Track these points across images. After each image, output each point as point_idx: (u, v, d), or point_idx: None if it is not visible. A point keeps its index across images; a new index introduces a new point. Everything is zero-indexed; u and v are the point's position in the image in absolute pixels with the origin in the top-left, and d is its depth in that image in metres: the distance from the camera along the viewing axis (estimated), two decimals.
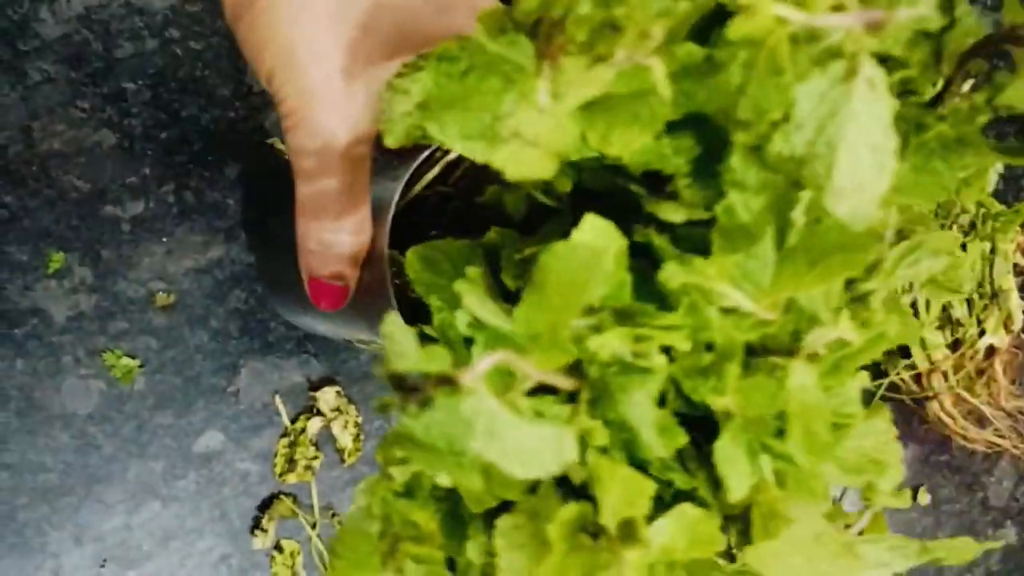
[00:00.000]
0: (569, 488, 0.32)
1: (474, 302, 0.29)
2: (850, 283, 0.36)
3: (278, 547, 0.60)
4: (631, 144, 0.25)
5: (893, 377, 0.84)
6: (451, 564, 0.35)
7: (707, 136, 0.28)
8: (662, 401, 0.32)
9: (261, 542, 0.60)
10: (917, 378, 0.83)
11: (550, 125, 0.25)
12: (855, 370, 0.34)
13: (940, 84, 0.29)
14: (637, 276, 0.30)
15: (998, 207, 0.82)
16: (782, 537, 0.32)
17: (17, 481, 0.54)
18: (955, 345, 0.83)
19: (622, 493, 0.28)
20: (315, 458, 0.61)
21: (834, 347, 0.32)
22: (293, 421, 0.61)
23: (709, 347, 0.31)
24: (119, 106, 0.56)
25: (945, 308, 0.81)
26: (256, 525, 0.60)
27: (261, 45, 0.34)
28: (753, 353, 0.32)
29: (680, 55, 0.25)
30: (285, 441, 0.61)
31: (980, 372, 0.83)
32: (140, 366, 0.57)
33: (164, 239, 0.58)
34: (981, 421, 0.84)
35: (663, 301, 0.29)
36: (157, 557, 0.57)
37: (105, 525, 0.57)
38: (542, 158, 0.25)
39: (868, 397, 0.85)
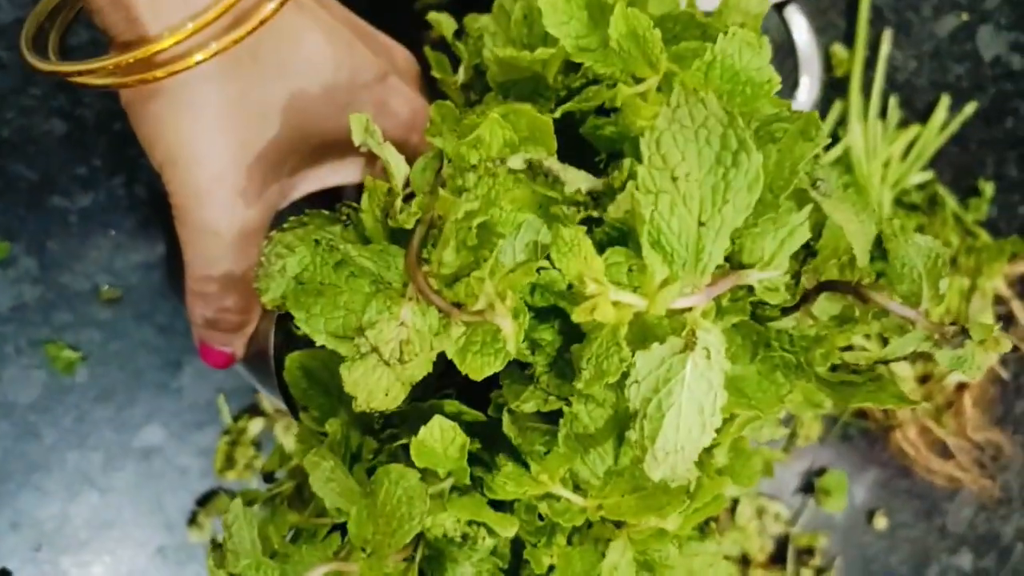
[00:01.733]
0: None
1: (319, 480, 0.31)
2: None
3: (214, 542, 0.62)
4: (482, 372, 0.26)
5: (859, 406, 0.84)
6: None
7: (567, 331, 0.29)
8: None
9: (198, 535, 0.62)
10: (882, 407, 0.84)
11: (409, 352, 0.26)
12: (683, 533, 0.36)
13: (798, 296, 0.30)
14: (491, 439, 0.32)
15: (985, 239, 0.81)
16: None
17: None
18: (924, 378, 0.83)
19: None
20: (255, 458, 0.63)
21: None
22: (236, 420, 0.63)
23: (541, 517, 0.33)
24: (71, 95, 0.57)
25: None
26: (193, 519, 0.62)
27: (151, 140, 0.34)
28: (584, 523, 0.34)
29: (544, 279, 0.26)
30: (226, 439, 0.62)
31: (948, 404, 0.84)
32: (83, 358, 0.59)
33: (112, 232, 0.59)
34: (944, 452, 0.85)
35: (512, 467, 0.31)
36: (93, 545, 0.60)
37: (42, 512, 0.59)
38: (393, 385, 0.26)
39: (832, 421, 0.86)
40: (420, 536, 0.33)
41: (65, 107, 0.58)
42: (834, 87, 0.87)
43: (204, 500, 0.65)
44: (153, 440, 0.63)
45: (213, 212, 0.35)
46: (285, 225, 0.32)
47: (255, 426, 0.64)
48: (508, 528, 0.31)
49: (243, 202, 0.36)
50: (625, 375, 0.27)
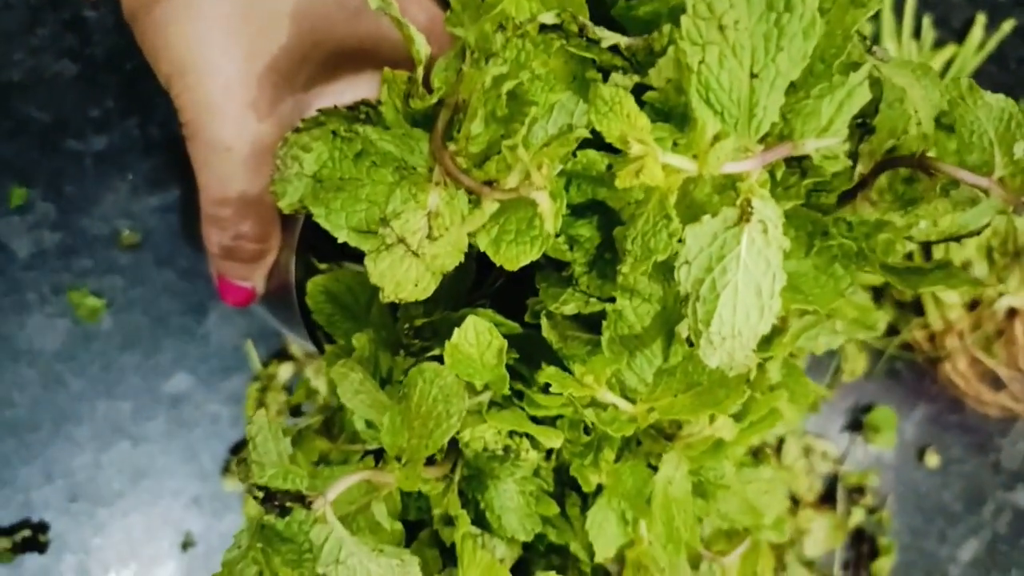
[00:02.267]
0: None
1: (347, 392, 0.29)
2: None
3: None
4: (518, 261, 0.24)
5: (905, 336, 0.82)
6: None
7: (607, 226, 0.27)
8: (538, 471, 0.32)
9: (233, 484, 0.61)
10: (931, 337, 0.82)
11: (438, 240, 0.24)
12: (737, 452, 0.34)
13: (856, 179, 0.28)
14: (529, 353, 0.30)
15: None
16: None
17: None
18: (973, 304, 0.80)
19: (481, 573, 0.28)
20: (287, 403, 0.62)
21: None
22: (265, 365, 0.61)
23: (587, 430, 0.32)
24: (80, 33, 0.55)
25: (964, 266, 0.78)
26: (227, 468, 0.61)
27: (157, 51, 0.33)
28: (633, 437, 0.32)
29: (581, 161, 0.24)
30: (256, 385, 0.61)
31: (999, 333, 0.81)
32: (106, 305, 0.58)
33: (129, 175, 0.57)
34: (996, 383, 0.82)
35: (547, 387, 0.29)
36: (128, 495, 0.59)
37: (74, 462, 0.58)
38: (423, 276, 0.24)
39: (877, 355, 0.84)
40: (458, 454, 0.32)
41: (75, 47, 0.57)
42: None
43: (237, 448, 0.64)
44: (182, 387, 0.62)
45: (224, 125, 0.34)
46: (300, 125, 0.30)
47: (285, 371, 0.63)
48: (553, 439, 0.30)
49: (255, 115, 0.34)
50: (675, 257, 0.24)
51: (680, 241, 0.24)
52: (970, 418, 0.90)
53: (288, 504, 0.25)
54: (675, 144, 0.26)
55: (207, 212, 0.37)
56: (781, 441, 0.84)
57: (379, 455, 0.33)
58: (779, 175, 0.26)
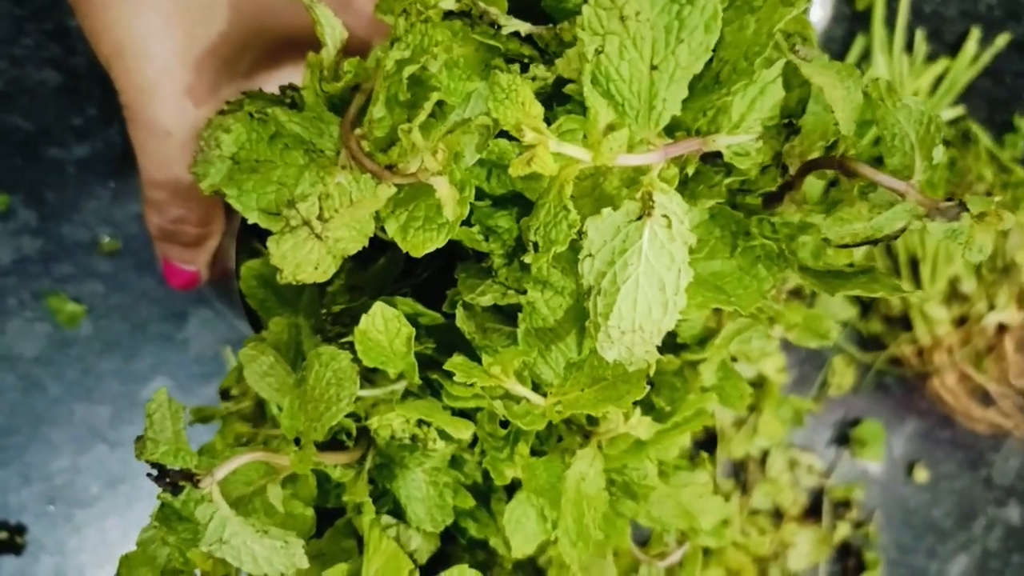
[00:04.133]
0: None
1: (255, 374, 0.29)
2: (681, 348, 0.36)
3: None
4: (423, 248, 0.24)
5: (893, 350, 0.81)
6: None
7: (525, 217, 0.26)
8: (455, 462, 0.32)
9: None
10: (919, 352, 0.80)
11: (331, 221, 0.23)
12: (667, 453, 0.33)
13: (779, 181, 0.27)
14: (449, 344, 0.30)
15: (1020, 175, 0.77)
16: None
17: None
18: (961, 320, 0.79)
19: (383, 565, 0.28)
20: None
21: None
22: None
23: (504, 423, 0.31)
24: (63, 43, 0.56)
25: (952, 282, 0.77)
26: None
27: (97, 33, 0.33)
28: (550, 431, 0.32)
29: (495, 151, 0.24)
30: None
31: (989, 349, 0.80)
32: (86, 311, 0.58)
33: (111, 182, 0.58)
34: (986, 399, 0.81)
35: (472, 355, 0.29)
36: (105, 499, 0.59)
37: (52, 466, 0.58)
38: (324, 259, 0.24)
39: (865, 370, 0.83)
40: (371, 442, 0.32)
41: (58, 57, 0.58)
42: (857, 20, 0.83)
43: None
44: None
45: (162, 109, 0.34)
46: (224, 107, 0.30)
47: None
48: (461, 430, 0.29)
49: (193, 100, 0.34)
50: (580, 252, 0.24)
51: (581, 233, 0.23)
52: (960, 434, 0.89)
53: (180, 483, 0.25)
54: (584, 136, 0.25)
55: (147, 195, 0.37)
56: (766, 454, 0.83)
57: (299, 442, 0.33)
58: (691, 171, 0.26)
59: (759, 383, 0.79)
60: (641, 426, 0.31)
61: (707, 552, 0.77)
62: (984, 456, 0.91)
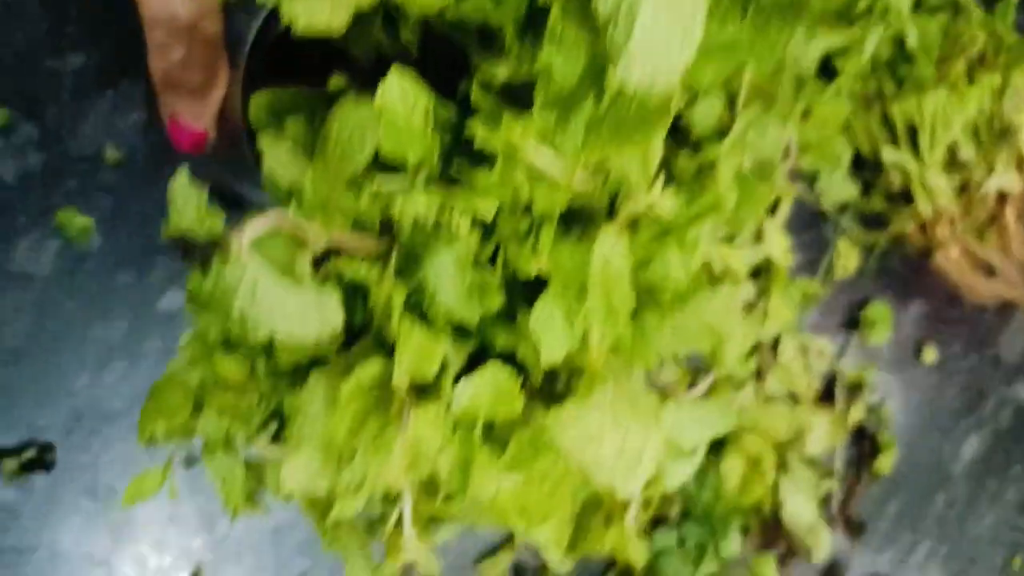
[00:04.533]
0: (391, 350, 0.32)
1: (275, 158, 0.29)
2: (698, 145, 0.35)
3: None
4: (431, 5, 0.24)
5: (896, 227, 0.81)
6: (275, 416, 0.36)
7: None
8: (489, 262, 0.32)
9: None
10: (922, 228, 0.81)
11: None
12: (684, 240, 0.33)
13: None
14: (460, 135, 0.30)
15: (1013, 38, 0.77)
16: (592, 399, 0.32)
17: None
18: (963, 189, 0.79)
19: (416, 353, 0.28)
20: None
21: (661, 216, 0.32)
22: None
23: (529, 211, 0.31)
24: None
25: (951, 149, 0.78)
26: None
27: None
28: (574, 219, 0.32)
29: None
30: None
31: (991, 219, 0.80)
32: (96, 225, 0.57)
33: (109, 92, 0.57)
34: (990, 271, 0.81)
35: (482, 162, 0.29)
36: (130, 414, 0.59)
37: (74, 383, 0.58)
38: (334, 8, 0.24)
39: (869, 251, 0.83)
40: (393, 241, 0.31)
41: None
42: None
43: None
44: (176, 304, 0.61)
45: None
46: None
47: None
48: (487, 205, 0.29)
49: None
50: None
51: None
52: (967, 311, 0.89)
53: (207, 252, 0.25)
54: None
55: (149, 37, 0.37)
56: (776, 340, 0.83)
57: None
58: None
59: (765, 267, 0.79)
60: (665, 200, 0.31)
61: (724, 441, 0.78)
62: (991, 334, 0.92)
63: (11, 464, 0.58)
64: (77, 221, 0.58)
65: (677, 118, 0.36)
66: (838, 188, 0.82)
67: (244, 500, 0.39)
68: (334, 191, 0.27)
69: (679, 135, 0.37)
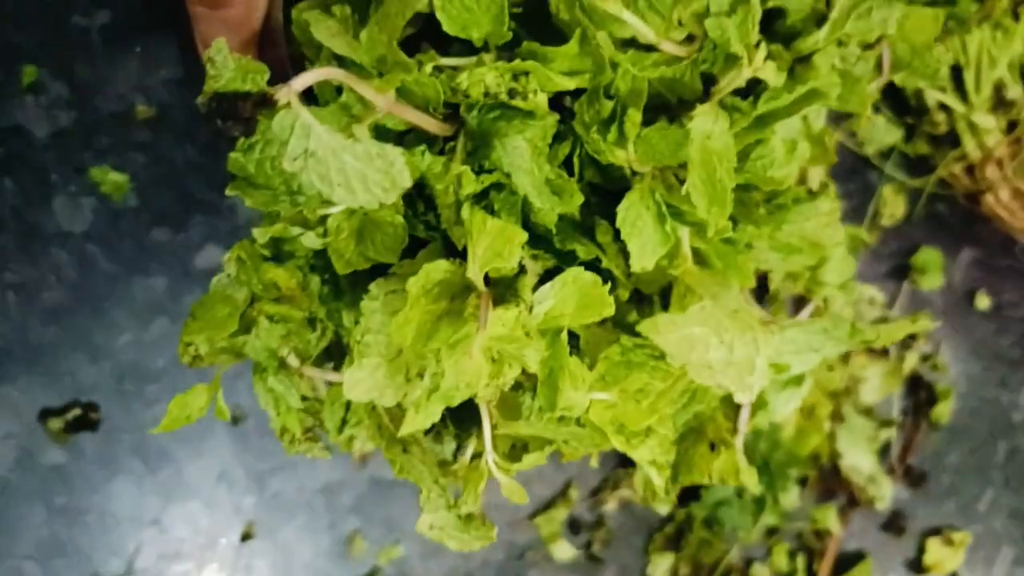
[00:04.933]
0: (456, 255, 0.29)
1: (323, 31, 0.27)
2: (791, 38, 0.32)
3: None
4: None
5: (943, 171, 0.78)
6: (313, 324, 0.33)
7: None
8: (568, 164, 0.29)
9: None
10: (969, 170, 0.78)
11: None
12: (784, 120, 0.30)
13: None
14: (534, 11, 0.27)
15: None
16: (690, 311, 0.29)
17: (23, 301, 0.55)
18: (1010, 128, 0.76)
19: (491, 244, 0.25)
20: None
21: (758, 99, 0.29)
22: None
23: (610, 95, 0.28)
24: None
25: (998, 88, 0.74)
26: None
27: None
28: (661, 107, 0.29)
29: None
30: None
31: None
32: (130, 181, 0.56)
33: (137, 48, 0.56)
34: None
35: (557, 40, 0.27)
36: (173, 372, 0.58)
37: (117, 342, 0.57)
38: None
39: (915, 195, 0.80)
40: (461, 123, 0.29)
41: None
42: None
43: None
44: (213, 261, 0.60)
45: None
46: None
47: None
48: (565, 79, 0.27)
49: None
50: None
51: None
52: (1020, 260, 0.86)
53: (252, 109, 0.22)
54: None
55: None
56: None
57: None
58: None
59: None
60: (767, 70, 0.28)
61: None
62: None
63: (56, 424, 0.57)
64: (111, 178, 0.58)
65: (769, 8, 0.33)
66: (881, 132, 0.79)
67: (300, 433, 0.37)
68: (391, 50, 0.25)
69: (771, 26, 0.34)
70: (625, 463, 0.68)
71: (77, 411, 0.57)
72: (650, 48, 0.29)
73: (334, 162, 0.23)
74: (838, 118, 0.78)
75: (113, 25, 0.57)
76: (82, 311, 0.58)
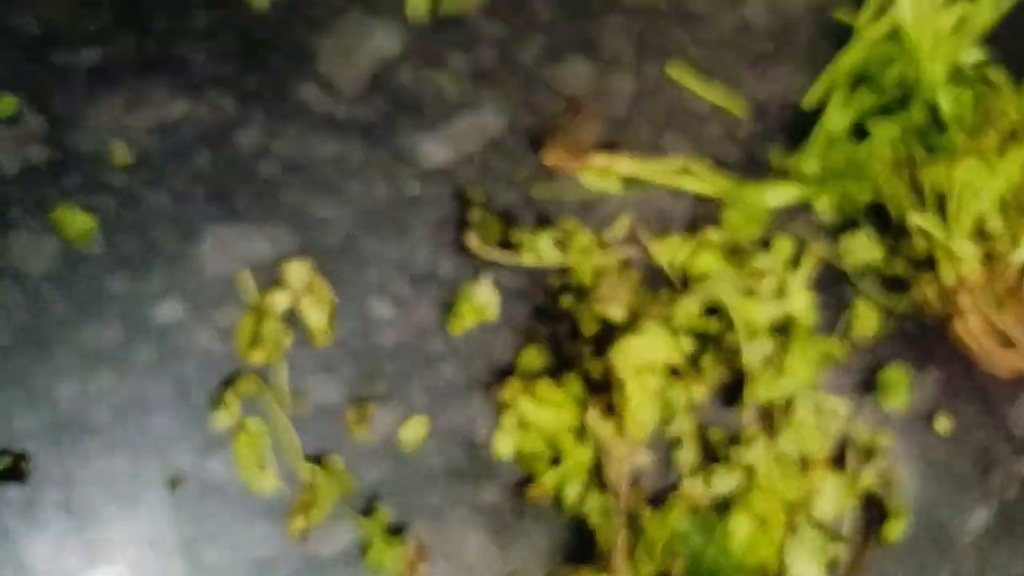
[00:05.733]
0: None
1: None
2: None
3: (242, 427, 0.56)
4: None
5: (917, 292, 0.77)
6: None
7: None
8: None
9: (224, 419, 0.56)
10: (943, 294, 0.77)
11: None
12: None
13: None
14: None
15: None
16: None
17: None
18: (986, 259, 0.76)
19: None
20: (284, 335, 0.57)
21: None
22: (260, 294, 0.57)
23: None
24: None
25: (978, 221, 0.74)
26: (219, 400, 0.56)
27: None
28: None
29: None
30: (251, 316, 0.56)
31: (1013, 291, 0.76)
32: (97, 227, 0.53)
33: (123, 91, 0.53)
34: (1009, 344, 0.77)
35: None
36: (114, 428, 0.55)
37: (59, 390, 0.54)
38: None
39: (887, 314, 0.79)
40: None
41: None
42: None
43: (229, 382, 0.59)
44: (172, 316, 0.57)
45: None
46: None
47: (281, 301, 0.59)
48: None
49: None
50: None
51: None
52: (982, 381, 0.85)
53: None
54: None
55: None
56: (792, 399, 0.79)
57: None
58: None
59: (786, 324, 0.75)
60: None
61: (730, 501, 0.73)
62: (1004, 408, 0.87)
63: None
64: (78, 221, 0.54)
65: None
66: (862, 249, 0.78)
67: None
68: None
69: None
70: None
71: (7, 459, 0.53)
72: None
73: None
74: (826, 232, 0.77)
75: (101, 64, 0.54)
76: (27, 353, 0.55)
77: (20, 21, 0.53)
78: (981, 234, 0.77)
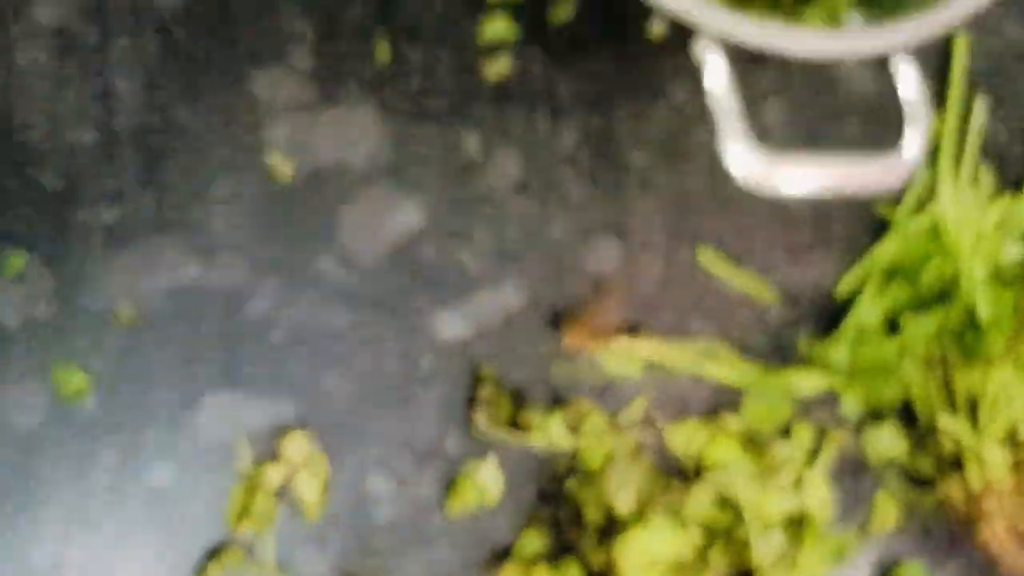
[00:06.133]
0: None
1: None
2: None
3: None
4: None
5: (941, 491, 0.73)
6: None
7: None
8: None
9: None
10: (969, 496, 0.73)
11: None
12: None
13: None
14: None
15: None
16: None
17: None
18: (1016, 465, 0.72)
19: None
20: (274, 508, 0.54)
21: None
22: (255, 465, 0.54)
23: None
24: (107, 105, 0.51)
25: (1010, 426, 0.70)
26: (201, 573, 0.53)
27: None
28: None
29: None
30: (243, 486, 0.54)
31: None
32: (93, 387, 0.51)
33: (137, 253, 0.52)
34: None
35: None
36: None
37: (34, 553, 0.51)
38: None
39: (908, 510, 0.75)
40: None
41: (100, 117, 0.52)
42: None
43: (214, 552, 0.56)
44: (162, 482, 0.55)
45: None
46: None
47: (276, 474, 0.56)
48: None
49: None
50: None
51: None
52: None
53: None
54: None
55: None
56: None
57: None
58: None
59: (800, 518, 0.71)
60: None
61: None
62: None
63: None
64: (74, 380, 0.53)
65: None
66: (886, 442, 0.74)
67: None
68: None
69: None
70: None
71: None
72: None
73: None
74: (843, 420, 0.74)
75: (118, 225, 0.53)
76: (5, 513, 0.52)
77: (43, 176, 0.52)
78: (1013, 440, 0.74)
